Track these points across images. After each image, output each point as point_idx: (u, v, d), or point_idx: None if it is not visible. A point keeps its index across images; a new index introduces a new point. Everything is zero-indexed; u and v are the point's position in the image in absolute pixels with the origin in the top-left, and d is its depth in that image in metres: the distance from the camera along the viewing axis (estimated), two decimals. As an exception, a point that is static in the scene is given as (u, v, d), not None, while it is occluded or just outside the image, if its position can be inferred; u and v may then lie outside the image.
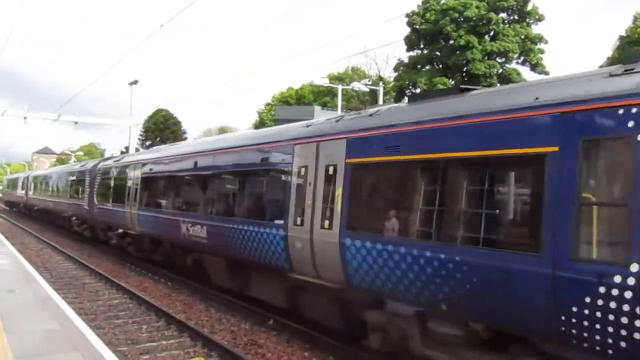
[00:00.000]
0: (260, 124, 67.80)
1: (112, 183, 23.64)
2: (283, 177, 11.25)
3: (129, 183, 20.76)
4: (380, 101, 34.63)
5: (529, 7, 45.44)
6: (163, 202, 17.92)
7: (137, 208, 19.55)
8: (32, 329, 8.87)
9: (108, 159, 28.12)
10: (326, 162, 9.80)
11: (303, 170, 10.42)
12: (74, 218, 30.72)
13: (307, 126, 11.20)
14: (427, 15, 46.20)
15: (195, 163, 15.57)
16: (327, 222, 9.50)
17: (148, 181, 19.44)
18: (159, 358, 10.08)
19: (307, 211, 10.07)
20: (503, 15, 46.00)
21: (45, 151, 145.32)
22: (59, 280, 17.75)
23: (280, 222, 10.80)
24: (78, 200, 29.13)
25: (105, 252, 24.85)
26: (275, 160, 11.76)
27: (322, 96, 66.95)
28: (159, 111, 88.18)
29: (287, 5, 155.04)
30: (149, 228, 18.73)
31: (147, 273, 19.44)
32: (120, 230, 21.75)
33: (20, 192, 55.70)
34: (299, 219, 10.30)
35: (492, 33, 45.51)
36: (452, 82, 44.78)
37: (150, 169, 19.30)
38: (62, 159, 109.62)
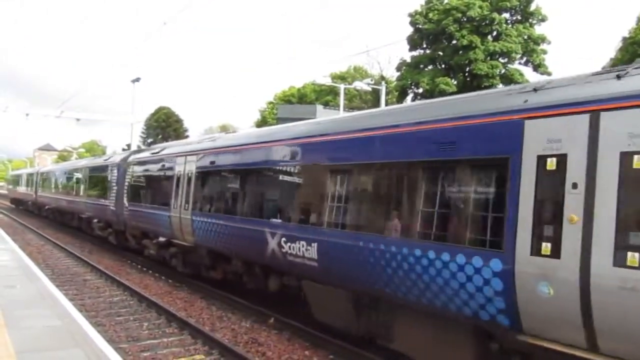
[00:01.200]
0: (262, 123, 67.84)
1: (149, 179, 19.78)
2: (505, 175, 6.74)
3: (177, 179, 16.54)
4: (383, 101, 34.59)
5: (532, 7, 45.37)
6: (235, 205, 13.58)
7: (189, 212, 15.46)
8: (33, 324, 8.87)
9: (141, 150, 24.05)
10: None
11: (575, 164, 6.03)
12: (95, 220, 26.52)
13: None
14: (430, 15, 46.14)
15: (296, 153, 11.26)
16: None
17: (208, 177, 15.12)
18: (160, 355, 10.07)
19: (570, 233, 5.99)
20: (506, 15, 45.94)
21: (47, 148, 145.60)
22: (60, 277, 17.77)
23: (498, 249, 6.72)
24: (101, 200, 25.01)
25: (106, 249, 24.88)
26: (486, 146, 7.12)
27: (324, 95, 66.97)
28: (161, 109, 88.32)
29: (289, 4, 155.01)
30: (209, 239, 14.34)
31: (148, 270, 19.46)
32: (162, 239, 17.56)
33: (26, 189, 51.63)
34: (547, 246, 6.19)
35: (495, 33, 45.45)
36: (455, 82, 44.76)
37: (212, 162, 14.84)
38: (64, 156, 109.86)
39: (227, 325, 12.31)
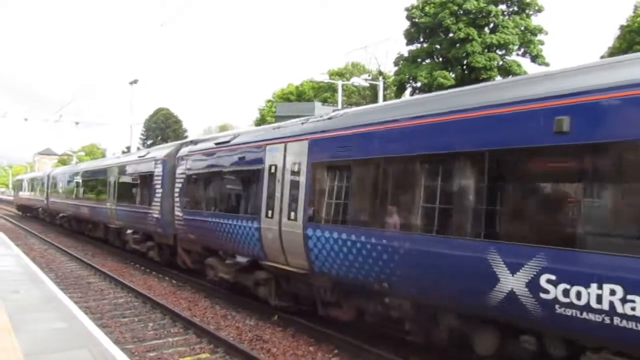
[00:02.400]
0: (261, 121, 67.88)
1: (218, 178, 14.73)
2: None
3: (271, 177, 11.82)
4: (380, 96, 34.60)
5: (528, -2, 45.32)
6: (414, 216, 8.58)
7: (300, 223, 10.71)
8: (40, 328, 8.95)
9: (195, 141, 17.67)
10: None
11: None
12: (129, 231, 21.71)
13: None
14: (427, 8, 46.08)
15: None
16: None
17: (342, 172, 10.24)
18: (166, 355, 10.14)
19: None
20: (502, 7, 45.87)
21: (47, 152, 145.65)
22: (64, 280, 17.84)
23: None
24: (138, 206, 20.46)
25: (109, 252, 24.96)
26: None
27: (322, 92, 66.98)
28: (159, 110, 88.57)
29: (286, 3, 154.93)
30: (342, 264, 9.69)
31: (151, 272, 19.53)
32: (242, 259, 13.36)
33: (36, 194, 46.53)
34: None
35: (491, 25, 45.39)
36: (453, 75, 44.75)
37: (350, 148, 9.87)
38: (64, 160, 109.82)
39: (231, 323, 12.38)
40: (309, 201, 10.55)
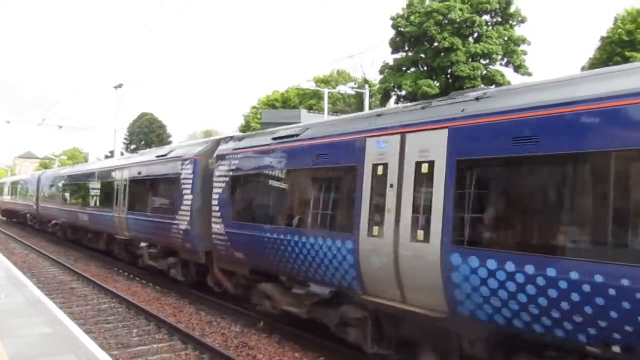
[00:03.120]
0: (246, 127, 67.82)
1: (283, 183, 11.69)
2: None
3: (395, 183, 8.51)
4: (366, 104, 34.82)
5: (512, 9, 45.99)
6: None
7: (439, 247, 7.65)
8: (26, 333, 8.90)
9: (243, 137, 14.09)
10: None
11: None
12: (144, 245, 18.14)
13: None
14: (412, 18, 46.53)
15: None
16: None
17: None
18: (151, 361, 10.11)
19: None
20: (486, 17, 46.51)
21: (28, 156, 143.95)
22: (47, 286, 17.68)
23: None
24: (159, 216, 16.87)
25: (93, 257, 24.75)
26: None
27: (307, 99, 67.13)
28: (144, 115, 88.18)
29: (273, 11, 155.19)
30: (542, 314, 6.41)
31: (135, 277, 19.42)
32: (323, 290, 9.99)
33: (24, 199, 42.29)
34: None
35: (476, 35, 45.99)
36: (438, 84, 45.17)
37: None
38: (45, 164, 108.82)
39: (217, 330, 12.38)
40: (453, 215, 7.42)
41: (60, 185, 31.34)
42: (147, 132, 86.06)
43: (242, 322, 12.78)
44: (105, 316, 13.81)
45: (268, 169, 11.90)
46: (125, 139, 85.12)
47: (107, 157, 56.15)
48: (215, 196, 13.39)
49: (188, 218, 14.77)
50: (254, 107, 77.74)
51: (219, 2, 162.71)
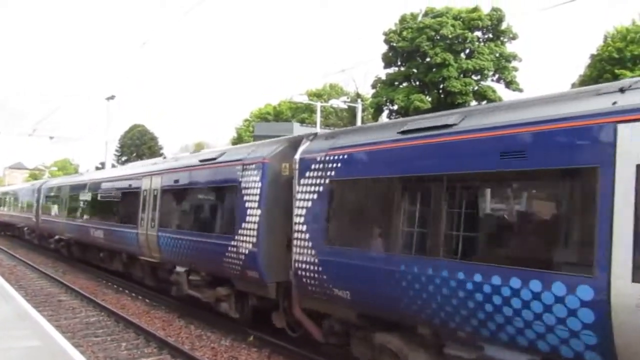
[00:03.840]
0: (238, 140, 67.85)
1: (435, 192, 7.68)
2: None
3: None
4: (359, 118, 34.96)
5: (503, 26, 46.47)
6: None
7: None
8: (13, 345, 8.76)
9: (337, 133, 10.97)
10: None
11: None
12: (181, 270, 14.44)
13: None
14: (404, 33, 46.91)
15: None
16: None
17: None
18: (139, 375, 9.98)
19: None
20: (478, 33, 46.97)
21: (18, 166, 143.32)
22: (34, 298, 17.46)
23: None
24: (207, 234, 13.39)
25: (81, 269, 24.49)
26: None
27: (300, 112, 67.36)
28: (135, 127, 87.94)
29: (265, 24, 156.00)
30: None
31: (124, 290, 19.22)
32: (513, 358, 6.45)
33: (21, 211, 38.38)
34: None
35: (467, 51, 46.41)
36: (429, 99, 45.43)
37: None
38: (35, 174, 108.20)
39: (206, 344, 12.25)
40: None
41: (67, 195, 26.88)
42: (138, 144, 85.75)
43: (231, 336, 12.65)
44: (93, 329, 13.64)
45: (399, 171, 8.29)
46: (117, 150, 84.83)
47: (97, 168, 55.87)
48: (299, 211, 10.02)
49: (253, 238, 11.20)
50: (246, 120, 77.93)
51: (212, 15, 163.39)
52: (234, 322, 13.11)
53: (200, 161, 14.50)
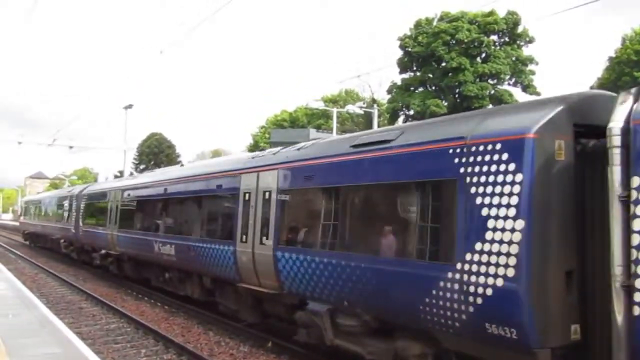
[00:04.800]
0: (254, 147, 68.12)
1: None
2: None
3: None
4: (375, 123, 34.94)
5: (519, 29, 46.21)
6: None
7: None
8: (35, 353, 8.88)
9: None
10: None
11: None
12: (317, 307, 10.01)
13: None
14: (420, 38, 46.87)
15: None
16: None
17: None
18: (159, 381, 10.04)
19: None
20: (494, 37, 46.77)
21: (39, 176, 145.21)
22: (55, 305, 17.67)
23: None
24: (393, 259, 8.46)
25: (101, 277, 24.73)
26: None
27: (315, 119, 67.45)
28: (153, 135, 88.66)
29: (282, 30, 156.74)
30: None
31: (144, 297, 19.37)
32: None
33: (56, 220, 33.87)
34: None
35: (483, 55, 46.22)
36: (445, 104, 45.29)
37: None
38: (55, 184, 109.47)
39: (225, 350, 12.30)
40: None
41: (117, 201, 22.22)
42: (156, 152, 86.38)
43: (250, 342, 12.69)
44: (113, 336, 13.76)
45: None
46: (135, 158, 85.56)
47: (115, 176, 56.39)
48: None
49: (507, 269, 6.60)
50: (263, 127, 78.21)
51: (228, 23, 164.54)
52: (252, 328, 13.15)
53: (356, 146, 9.60)
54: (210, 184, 14.67)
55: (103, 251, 23.33)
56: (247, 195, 12.44)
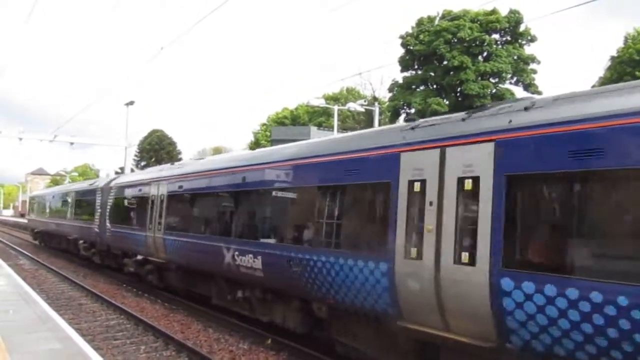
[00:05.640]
0: (255, 145, 68.08)
1: None
2: None
3: None
4: (376, 121, 34.92)
5: (521, 28, 46.10)
6: None
7: None
8: (34, 348, 8.89)
9: None
10: None
11: None
12: None
13: None
14: (421, 36, 46.77)
15: None
16: None
17: None
18: (158, 378, 10.05)
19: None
20: (496, 36, 46.66)
21: (40, 172, 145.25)
22: (55, 302, 17.68)
23: None
24: None
25: (101, 273, 24.75)
26: None
27: (317, 116, 67.38)
28: (154, 132, 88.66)
29: (281, 29, 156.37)
30: None
31: (144, 294, 19.38)
32: None
33: (74, 218, 29.94)
34: None
35: (485, 54, 46.12)
36: (447, 102, 45.24)
37: None
38: (56, 180, 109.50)
39: (224, 347, 12.32)
40: None
41: (161, 196, 17.72)
42: (157, 149, 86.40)
43: (250, 339, 12.70)
44: (113, 332, 13.78)
45: None
46: (136, 155, 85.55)
47: (116, 172, 56.34)
48: None
49: None
50: (263, 124, 78.16)
51: (230, 19, 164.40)
52: (251, 325, 13.17)
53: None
54: (338, 169, 9.94)
55: (139, 257, 18.99)
56: (416, 185, 8.16)
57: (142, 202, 19.25)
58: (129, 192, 21.36)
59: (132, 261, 19.94)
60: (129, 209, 20.82)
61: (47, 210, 38.04)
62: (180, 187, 16.80)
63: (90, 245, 26.40)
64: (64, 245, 32.09)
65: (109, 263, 23.93)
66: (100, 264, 25.31)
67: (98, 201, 24.99)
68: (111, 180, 25.28)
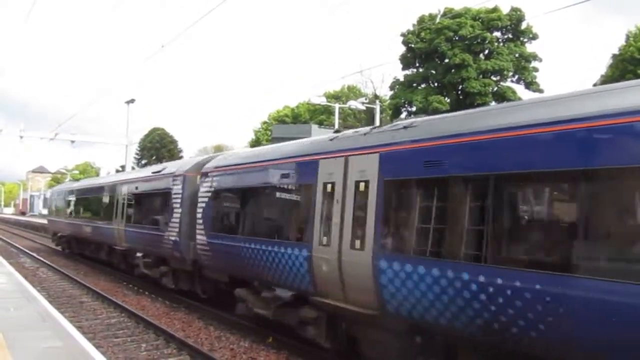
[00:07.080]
0: (256, 143, 68.08)
1: None
2: None
3: None
4: (377, 119, 34.87)
5: (523, 26, 46.04)
6: None
7: None
8: (35, 345, 8.86)
9: None
10: None
11: None
12: None
13: None
14: (422, 34, 46.74)
15: None
16: None
17: None
18: (159, 376, 10.02)
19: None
20: (497, 34, 46.62)
21: (40, 170, 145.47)
22: (56, 300, 17.67)
23: None
24: None
25: (102, 271, 24.73)
26: None
27: (318, 114, 67.33)
28: (155, 130, 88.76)
29: (282, 27, 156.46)
30: None
31: (144, 292, 19.36)
32: None
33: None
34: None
35: (486, 52, 46.08)
36: (448, 100, 45.19)
37: None
38: (57, 178, 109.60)
39: (225, 345, 12.30)
40: None
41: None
42: (158, 147, 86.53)
43: (250, 338, 12.68)
44: (114, 330, 13.76)
45: None
46: (137, 153, 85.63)
47: (117, 171, 56.32)
48: None
49: None
50: (264, 122, 78.11)
51: (231, 17, 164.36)
52: (253, 324, 13.15)
53: None
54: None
55: (284, 291, 11.38)
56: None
57: (297, 194, 11.59)
58: (252, 179, 13.03)
59: (271, 297, 11.85)
60: (256, 208, 13.23)
61: (77, 209, 29.67)
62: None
63: (159, 261, 18.10)
64: (103, 256, 24.92)
65: (202, 291, 16.15)
66: (174, 289, 17.31)
67: (176, 196, 16.66)
68: (205, 162, 16.00)
